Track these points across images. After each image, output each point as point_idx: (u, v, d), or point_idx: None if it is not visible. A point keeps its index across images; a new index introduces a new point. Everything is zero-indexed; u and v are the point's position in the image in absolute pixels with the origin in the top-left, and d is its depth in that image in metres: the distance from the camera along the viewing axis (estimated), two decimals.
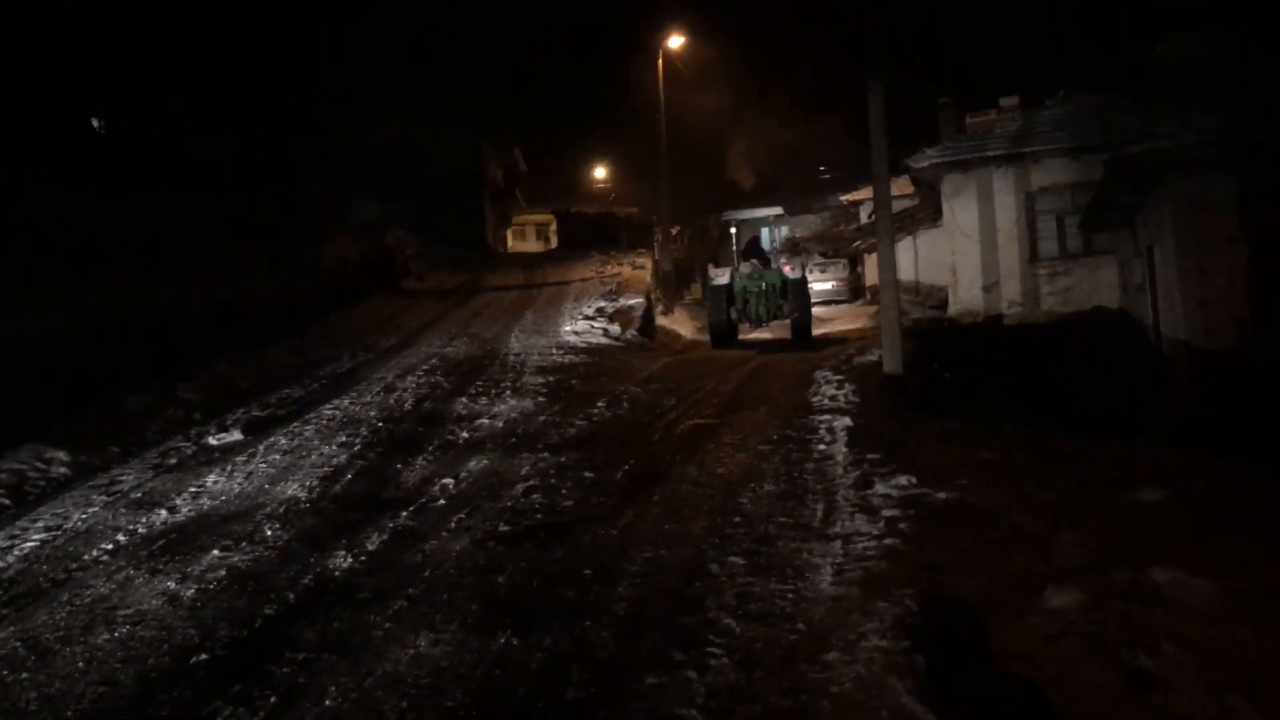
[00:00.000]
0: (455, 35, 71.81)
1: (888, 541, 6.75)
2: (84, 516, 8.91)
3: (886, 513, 7.43)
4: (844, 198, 41.69)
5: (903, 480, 8.21)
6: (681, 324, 26.99)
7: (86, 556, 7.76)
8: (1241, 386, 11.33)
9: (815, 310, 25.82)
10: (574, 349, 18.41)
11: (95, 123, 24.47)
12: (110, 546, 7.98)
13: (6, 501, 9.45)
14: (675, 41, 31.11)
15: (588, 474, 9.48)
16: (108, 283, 14.04)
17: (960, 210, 20.05)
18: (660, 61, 30.71)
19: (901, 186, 25.29)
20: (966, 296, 19.98)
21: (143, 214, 18.73)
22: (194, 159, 24.90)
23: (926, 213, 25.31)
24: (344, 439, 11.40)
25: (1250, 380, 11.29)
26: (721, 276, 23.08)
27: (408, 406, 13.22)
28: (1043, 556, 6.13)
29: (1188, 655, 4.62)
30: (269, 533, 8.08)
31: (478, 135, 45.97)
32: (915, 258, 27.50)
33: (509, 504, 8.58)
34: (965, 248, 19.95)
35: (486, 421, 12.23)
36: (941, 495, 7.74)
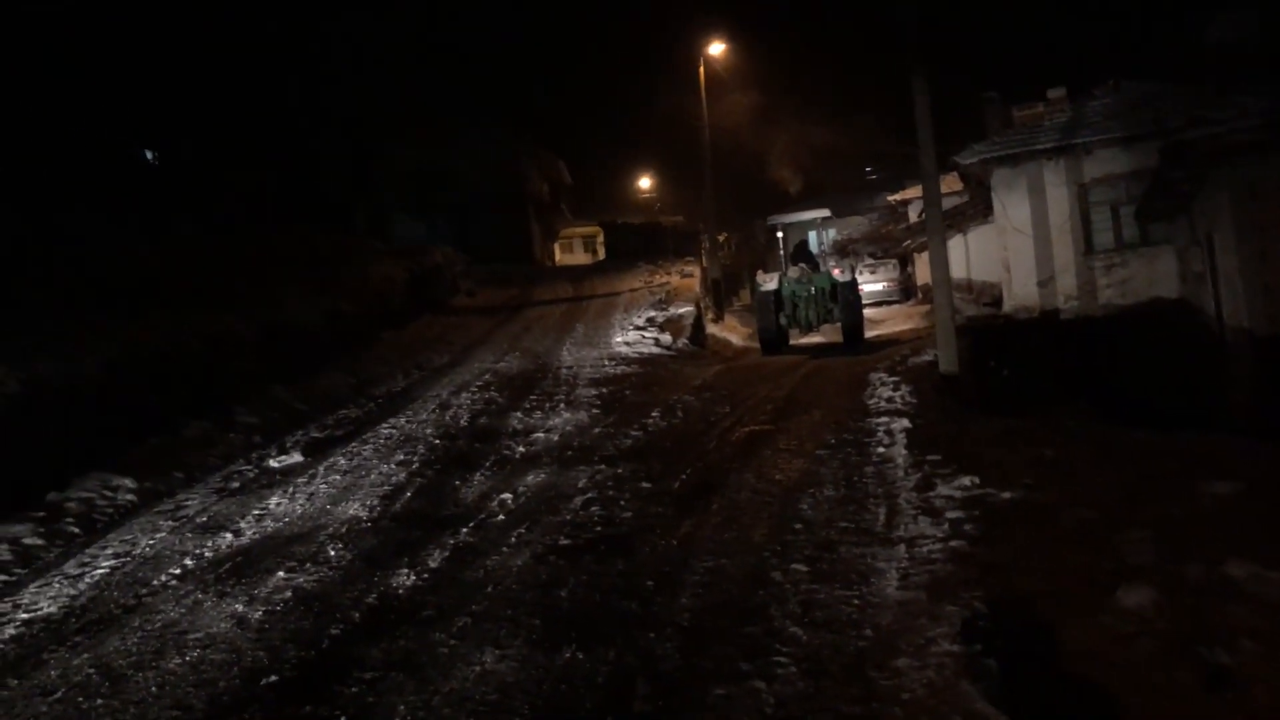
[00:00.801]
0: (494, 49, 72.38)
1: (953, 544, 6.66)
2: (152, 542, 9.04)
3: (950, 514, 7.33)
4: (891, 197, 41.36)
5: (965, 481, 8.11)
6: (732, 331, 26.91)
7: (155, 582, 7.87)
8: None
9: (867, 312, 25.62)
10: (626, 359, 18.42)
11: (149, 155, 24.94)
12: (178, 571, 8.09)
13: (76, 530, 9.62)
14: (716, 48, 31.08)
15: (645, 484, 9.46)
16: (159, 314, 14.27)
17: (1011, 205, 19.83)
18: (701, 68, 30.70)
19: (950, 183, 25.08)
20: (1021, 292, 19.74)
21: (189, 245, 19.05)
22: (236, 189, 25.29)
23: (977, 209, 25.04)
24: (402, 457, 11.48)
25: None
26: (770, 282, 22.96)
27: (463, 423, 13.29)
28: (1112, 553, 6.02)
29: (1269, 650, 4.51)
30: (332, 553, 8.14)
31: (519, 150, 46.25)
32: (967, 255, 27.21)
33: (568, 517, 8.59)
34: (1018, 243, 19.72)
35: (542, 435, 12.26)
36: (1005, 495, 7.64)
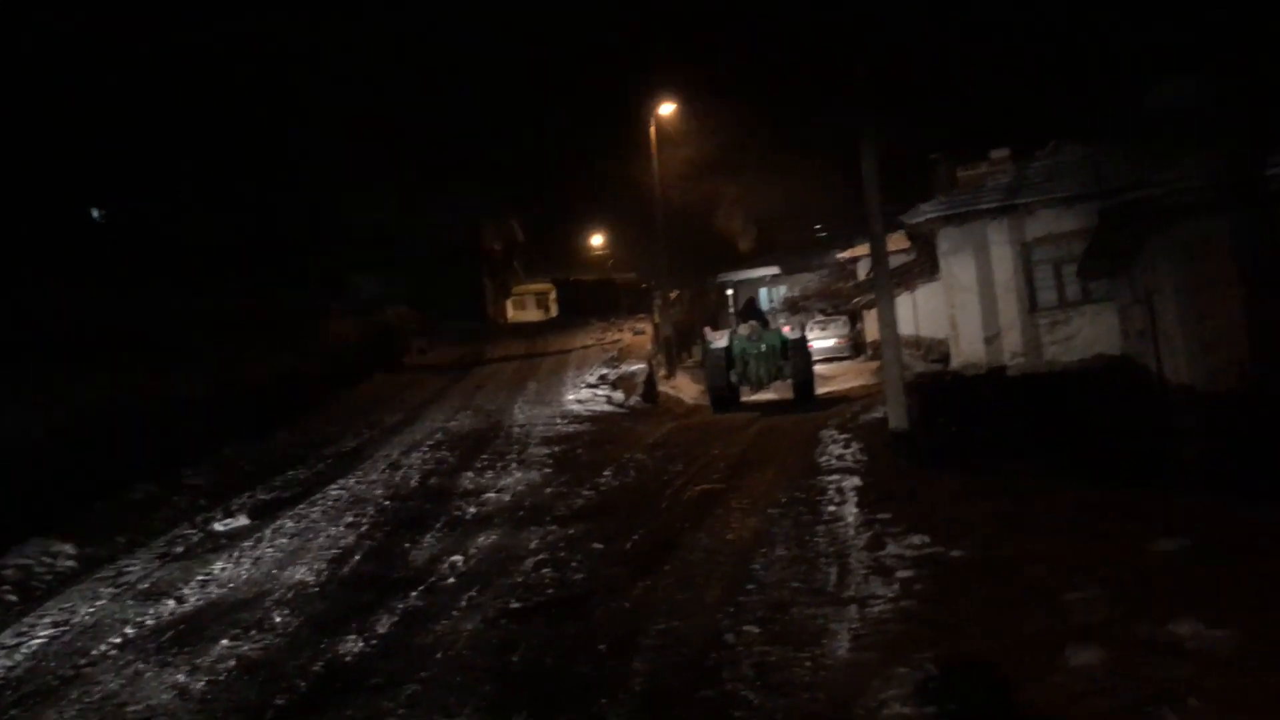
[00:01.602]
0: (448, 107, 72.66)
1: (904, 603, 6.67)
2: (91, 610, 8.82)
3: (901, 574, 7.36)
4: (840, 255, 41.85)
5: (915, 539, 8.15)
6: (684, 388, 26.97)
7: (95, 651, 7.67)
8: (1248, 429, 11.28)
9: (817, 368, 25.81)
10: (578, 418, 18.39)
11: (95, 213, 24.69)
12: (119, 640, 7.90)
13: (14, 598, 9.37)
14: (666, 108, 31.47)
15: (597, 545, 9.41)
16: (109, 375, 14.07)
17: (957, 263, 20.12)
18: (653, 128, 31.05)
19: (897, 241, 25.40)
20: (968, 349, 19.97)
21: (142, 304, 18.83)
22: (190, 246, 25.09)
23: (923, 267, 25.39)
24: (351, 519, 11.33)
25: (1256, 422, 11.24)
26: (720, 339, 23.08)
27: (414, 483, 13.16)
28: (1062, 613, 6.06)
29: (1213, 709, 4.55)
30: (278, 619, 7.99)
31: (474, 208, 46.38)
32: (915, 312, 27.55)
33: (519, 579, 8.51)
34: (964, 300, 19.98)
35: (494, 495, 12.17)
36: (955, 553, 7.68)
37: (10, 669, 7.49)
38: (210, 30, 27.74)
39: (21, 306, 16.15)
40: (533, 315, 56.59)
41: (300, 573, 9.34)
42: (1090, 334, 18.84)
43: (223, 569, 9.74)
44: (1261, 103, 13.63)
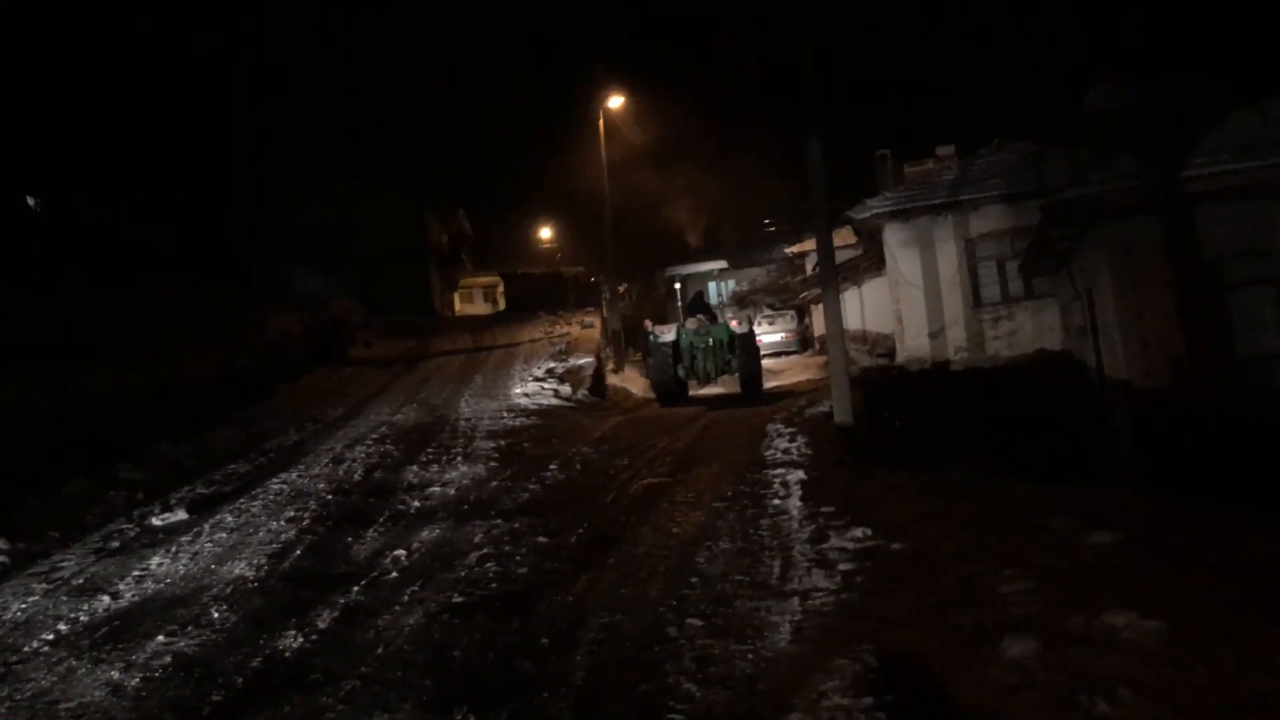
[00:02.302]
0: (395, 101, 72.14)
1: (845, 596, 6.73)
2: (23, 606, 8.63)
3: (843, 567, 7.42)
4: (789, 249, 42.16)
5: (857, 533, 8.22)
6: (632, 382, 27.00)
7: (26, 648, 7.51)
8: (1182, 425, 11.51)
9: (765, 362, 25.93)
10: (525, 411, 18.33)
11: (30, 200, 24.17)
12: (51, 636, 7.73)
13: None
14: (615, 101, 31.45)
15: (541, 539, 9.38)
16: (43, 372, 13.77)
17: (903, 259, 20.35)
18: (601, 121, 31.01)
19: (845, 236, 25.65)
20: (913, 344, 20.21)
21: (77, 299, 18.48)
22: (128, 241, 24.66)
23: (870, 262, 25.65)
24: (292, 514, 11.20)
25: (1189, 418, 11.48)
26: (668, 333, 23.12)
27: (357, 477, 13.04)
28: (998, 605, 6.14)
29: (1144, 700, 4.63)
30: (216, 615, 7.88)
31: (420, 203, 46.07)
32: (861, 307, 27.81)
33: (463, 574, 8.46)
34: (910, 295, 20.22)
35: (438, 489, 12.09)
36: (896, 546, 7.76)
37: None
38: (154, 23, 27.30)
39: None
40: (480, 309, 56.36)
41: (239, 568, 9.21)
42: (1032, 329, 19.16)
43: (160, 564, 9.58)
44: (1187, 106, 13.92)
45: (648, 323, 25.34)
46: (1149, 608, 5.56)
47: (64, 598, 8.76)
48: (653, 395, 23.65)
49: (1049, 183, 17.82)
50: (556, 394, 20.68)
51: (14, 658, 7.33)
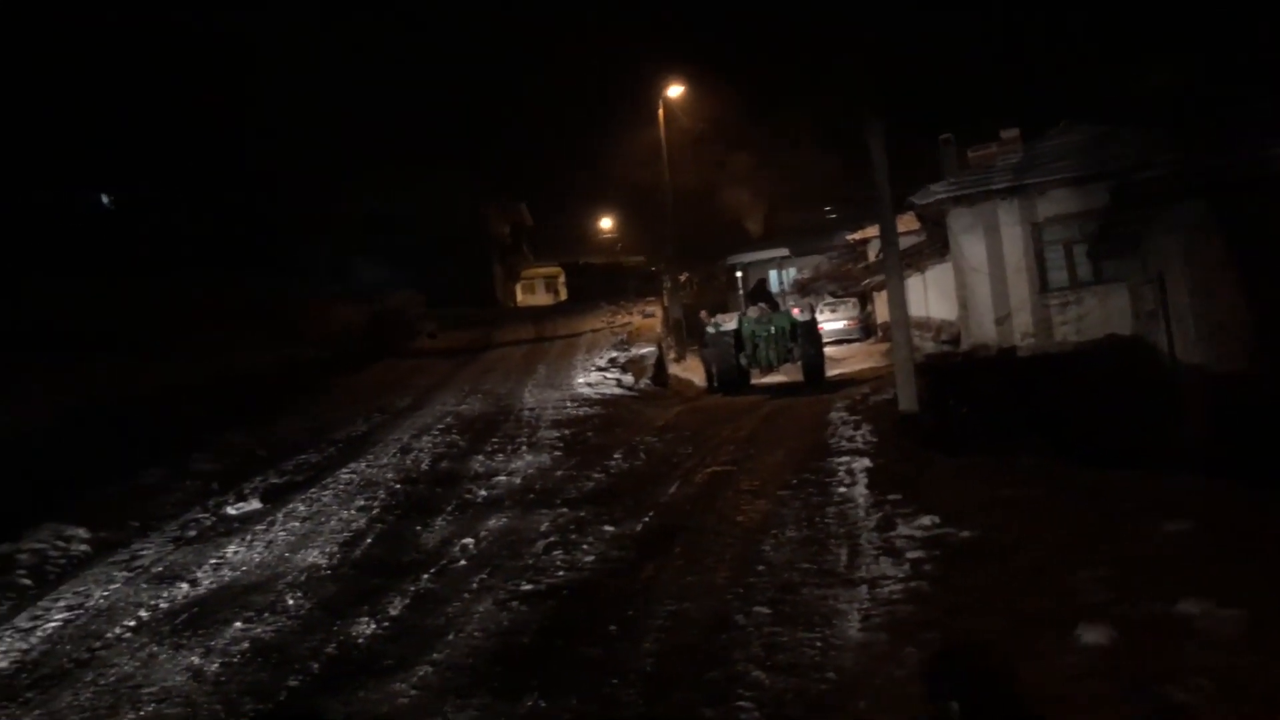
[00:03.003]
0: (455, 91, 72.64)
1: (913, 584, 6.70)
2: (105, 593, 8.89)
3: (910, 555, 7.38)
4: (850, 236, 41.84)
5: (925, 520, 8.17)
6: (694, 371, 26.97)
7: (109, 634, 7.74)
8: (1257, 410, 11.26)
9: (827, 350, 25.76)
10: (588, 401, 18.40)
11: (105, 199, 24.74)
12: (133, 623, 7.96)
13: (28, 582, 9.43)
14: (675, 90, 31.40)
15: (607, 528, 9.44)
16: (117, 364, 14.14)
17: (967, 244, 20.10)
18: (661, 110, 30.99)
19: (908, 222, 25.38)
20: (979, 330, 19.97)
21: (147, 292, 18.91)
22: (193, 236, 25.15)
23: (934, 248, 25.37)
24: (362, 503, 11.38)
25: (1265, 403, 11.22)
26: (729, 322, 23.08)
27: (424, 467, 13.21)
28: (1069, 593, 6.07)
29: (1223, 689, 4.56)
30: (290, 602, 8.05)
31: (480, 192, 46.35)
32: (925, 293, 27.53)
33: (530, 562, 8.54)
34: (975, 281, 19.97)
35: (504, 479, 12.20)
36: (964, 534, 7.70)
37: (26, 652, 7.55)
38: (213, 14, 27.75)
39: (29, 297, 16.24)
40: (542, 299, 56.65)
41: (312, 556, 9.39)
42: (1101, 314, 18.82)
43: (235, 552, 9.80)
44: (1264, 83, 13.57)
45: (704, 314, 25.30)
46: (1225, 596, 5.46)
47: (144, 585, 9.00)
48: (711, 385, 23.60)
49: (1118, 164, 17.48)
50: (619, 383, 20.72)
51: (98, 644, 7.55)
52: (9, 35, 20.17)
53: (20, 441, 11.33)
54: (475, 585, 8.00)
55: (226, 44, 28.18)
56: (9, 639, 7.90)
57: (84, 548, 10.39)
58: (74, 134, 21.67)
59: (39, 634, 7.95)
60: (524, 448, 14.01)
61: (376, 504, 11.27)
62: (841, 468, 11.09)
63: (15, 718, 6.24)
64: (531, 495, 11.22)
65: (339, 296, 28.16)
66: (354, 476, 12.86)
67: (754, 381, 24.06)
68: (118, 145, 23.25)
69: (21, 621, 8.31)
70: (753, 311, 23.45)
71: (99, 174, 24.00)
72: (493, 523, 10.05)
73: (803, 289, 40.74)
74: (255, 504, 11.73)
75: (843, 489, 10.04)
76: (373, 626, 7.22)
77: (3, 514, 10.55)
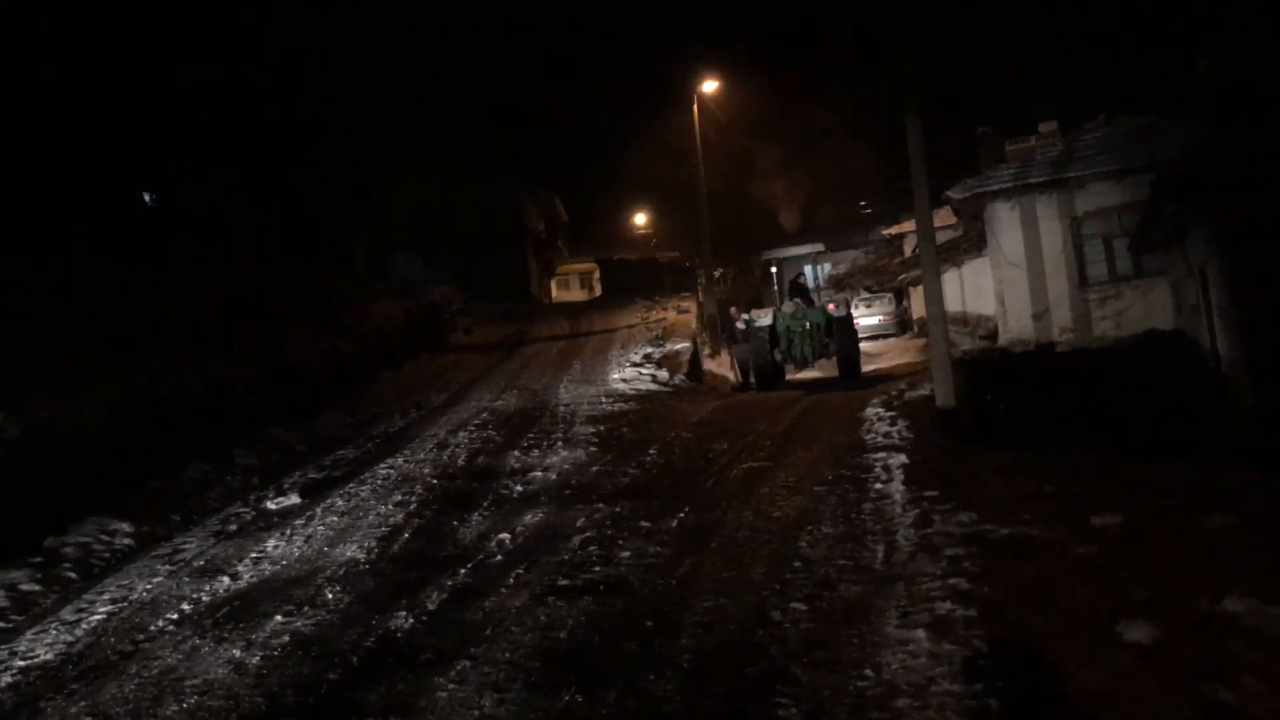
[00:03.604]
0: (491, 87, 72.87)
1: (951, 581, 6.64)
2: (149, 587, 9.01)
3: (949, 551, 7.32)
4: (886, 231, 41.58)
5: (963, 517, 8.10)
6: (729, 367, 26.95)
7: (153, 627, 7.84)
8: None
9: (863, 345, 25.66)
10: (623, 396, 18.43)
11: (146, 198, 25.04)
12: (175, 616, 8.06)
13: (73, 575, 9.59)
14: (709, 86, 31.34)
15: (643, 523, 9.44)
16: (161, 358, 14.30)
17: (1005, 239, 19.93)
18: (695, 106, 30.94)
19: (944, 217, 25.23)
20: (1016, 325, 19.80)
21: (191, 287, 19.12)
22: (235, 231, 25.39)
23: (971, 242, 25.17)
24: (400, 498, 11.46)
25: None
26: (764, 317, 23.03)
27: (461, 462, 13.28)
28: (1112, 589, 6.01)
29: (1269, 687, 4.50)
30: (330, 596, 8.12)
31: (518, 188, 46.50)
32: (961, 288, 27.32)
33: (566, 557, 8.57)
34: (1012, 276, 19.81)
35: (540, 474, 12.24)
36: (1004, 531, 7.63)
37: (71, 644, 7.67)
38: (258, 13, 27.97)
39: (75, 291, 16.46)
40: (577, 295, 56.76)
41: (351, 550, 9.47)
42: (1141, 309, 18.62)
43: (275, 546, 9.90)
44: None
45: (733, 310, 25.24)
46: (1272, 593, 5.38)
47: (186, 578, 9.12)
48: (741, 381, 23.53)
49: (1160, 156, 17.27)
50: (654, 379, 20.74)
51: (141, 636, 7.65)
52: (55, 30, 20.46)
53: (70, 436, 11.48)
54: (512, 580, 8.03)
55: (272, 43, 28.43)
56: (55, 631, 8.03)
57: (128, 541, 10.54)
58: (124, 130, 21.93)
59: (84, 626, 8.07)
60: (560, 443, 14.04)
61: (414, 499, 11.34)
62: (878, 464, 11.03)
63: (61, 709, 6.34)
64: (568, 491, 11.25)
65: (381, 292, 28.36)
66: (391, 471, 12.96)
67: (789, 377, 24.00)
68: (167, 142, 23.51)
69: (67, 614, 8.45)
70: (788, 307, 23.41)
71: (147, 170, 24.27)
72: (529, 518, 10.09)
73: (838, 284, 40.55)
74: (295, 499, 11.85)
75: (879, 485, 9.98)
76: (411, 621, 7.27)
77: (49, 508, 10.72)
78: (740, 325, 22.92)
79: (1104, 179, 18.93)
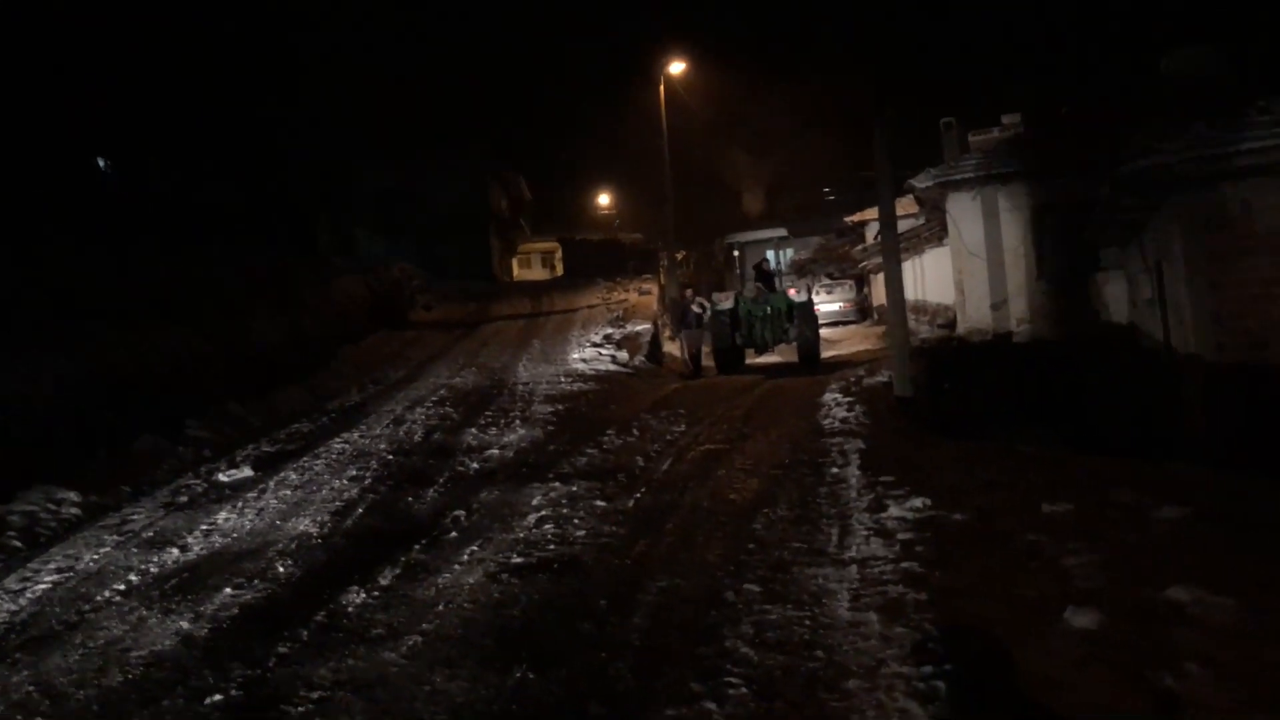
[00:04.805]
0: (457, 67, 72.29)
1: (904, 565, 6.69)
2: (95, 557, 8.88)
3: (902, 536, 7.37)
4: (849, 219, 41.72)
5: (917, 503, 8.16)
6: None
7: (99, 597, 7.73)
8: (1254, 400, 11.26)
9: (823, 332, 25.77)
10: (582, 377, 18.39)
11: (101, 162, 24.58)
12: (122, 587, 7.95)
13: (18, 543, 9.43)
14: (676, 67, 31.26)
15: (599, 503, 9.43)
16: (118, 330, 14.08)
17: (966, 229, 20.04)
18: (662, 87, 30.85)
19: (906, 206, 25.32)
20: (975, 315, 19.94)
21: (151, 261, 18.82)
22: (199, 205, 25.01)
23: (932, 232, 25.32)
24: (354, 473, 11.38)
25: (1262, 393, 11.21)
26: (726, 301, 23.06)
27: (417, 439, 13.20)
28: (1062, 577, 6.07)
29: (1213, 675, 4.56)
30: (281, 570, 8.04)
31: (481, 168, 46.20)
32: (922, 277, 27.49)
33: (521, 535, 8.54)
34: (972, 266, 19.94)
35: (496, 452, 12.20)
36: (957, 517, 7.69)
37: (15, 613, 7.54)
38: None
39: (30, 261, 16.13)
40: (539, 274, 56.56)
41: (304, 524, 9.38)
42: (1098, 302, 18.77)
43: (226, 519, 9.79)
44: (1270, 72, 13.50)
45: (688, 292, 25.20)
46: (1218, 584, 5.46)
47: (134, 549, 9.00)
48: (708, 363, 23.54)
49: (1121, 152, 17.40)
50: (614, 360, 20.72)
51: (87, 606, 7.55)
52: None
53: (20, 406, 11.29)
54: (466, 557, 7.99)
55: (238, 17, 27.96)
56: None
57: (75, 511, 10.39)
58: (83, 99, 21.50)
59: (28, 595, 7.95)
60: (518, 422, 14.00)
61: (369, 474, 11.27)
62: (835, 449, 11.09)
63: (3, 678, 6.23)
64: (524, 469, 11.22)
65: (341, 269, 28.10)
66: (347, 447, 12.86)
67: (749, 361, 24.05)
68: (122, 112, 23.07)
69: (11, 583, 8.31)
70: (749, 291, 23.44)
71: (106, 141, 23.83)
72: (485, 496, 10.05)
73: (800, 270, 40.67)
74: (247, 471, 11.73)
75: (835, 470, 10.03)
76: (363, 596, 7.21)
77: None
78: (696, 309, 22.87)
79: (1065, 172, 19.06)
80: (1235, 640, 4.89)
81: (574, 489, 10.08)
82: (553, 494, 9.93)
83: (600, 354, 21.15)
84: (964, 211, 20.01)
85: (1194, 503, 7.26)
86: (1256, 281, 11.70)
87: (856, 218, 40.13)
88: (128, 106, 22.98)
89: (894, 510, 8.11)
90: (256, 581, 7.76)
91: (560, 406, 15.11)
